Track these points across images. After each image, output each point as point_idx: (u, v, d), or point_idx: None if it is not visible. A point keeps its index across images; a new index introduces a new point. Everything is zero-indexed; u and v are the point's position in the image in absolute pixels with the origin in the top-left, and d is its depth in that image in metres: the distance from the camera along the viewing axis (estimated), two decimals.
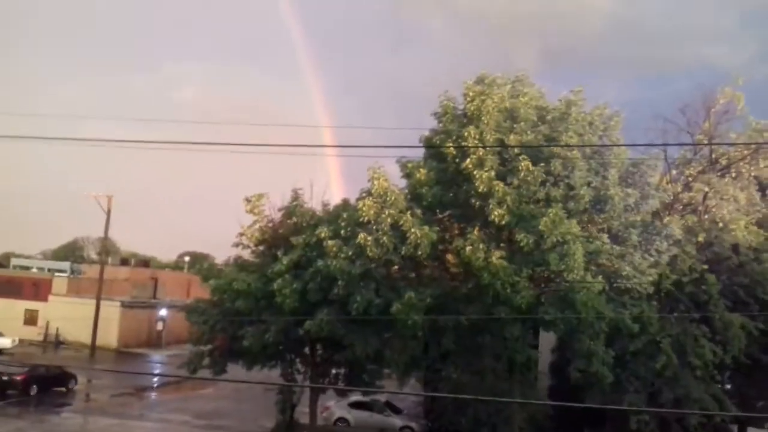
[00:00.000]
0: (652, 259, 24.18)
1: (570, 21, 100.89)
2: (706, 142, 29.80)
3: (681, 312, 25.30)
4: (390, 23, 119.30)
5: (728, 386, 27.91)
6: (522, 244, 21.68)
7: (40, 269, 78.84)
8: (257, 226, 25.99)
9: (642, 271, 23.50)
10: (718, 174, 29.45)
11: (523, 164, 22.22)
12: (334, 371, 27.71)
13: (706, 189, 28.64)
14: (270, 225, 26.15)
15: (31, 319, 57.59)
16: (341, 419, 31.91)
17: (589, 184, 23.27)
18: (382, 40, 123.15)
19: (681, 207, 30.00)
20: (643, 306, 24.34)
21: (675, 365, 24.61)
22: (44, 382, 35.40)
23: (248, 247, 26.28)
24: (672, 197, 29.24)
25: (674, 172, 31.73)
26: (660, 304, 25.44)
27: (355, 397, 31.82)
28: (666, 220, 25.78)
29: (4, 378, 33.85)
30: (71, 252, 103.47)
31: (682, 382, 24.90)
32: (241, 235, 26.00)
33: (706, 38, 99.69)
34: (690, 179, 30.28)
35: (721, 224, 27.91)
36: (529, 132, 23.43)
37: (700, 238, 27.50)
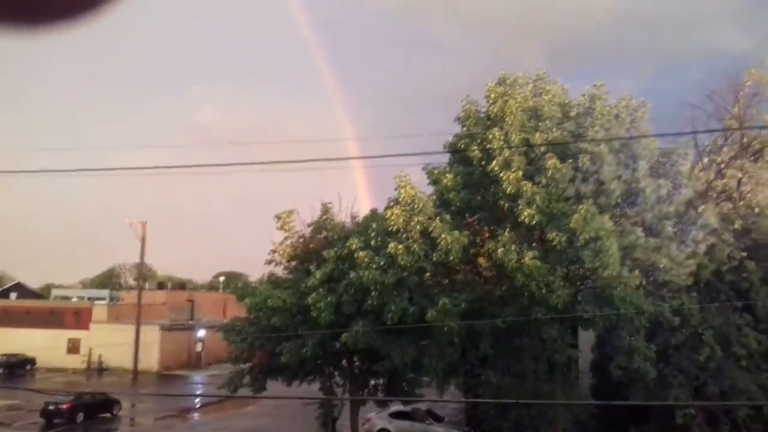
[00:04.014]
0: (689, 250, 23.72)
1: (576, 18, 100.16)
2: (736, 126, 29.20)
3: (722, 302, 24.81)
4: (398, 33, 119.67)
5: None
6: (554, 242, 21.47)
7: (80, 298, 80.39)
8: (289, 242, 26.17)
9: (679, 262, 23.08)
10: (751, 159, 28.84)
11: (550, 162, 22.03)
12: (372, 382, 27.67)
13: (740, 175, 28.06)
14: (301, 240, 26.32)
15: (73, 347, 58.59)
16: (383, 430, 31.79)
17: (619, 177, 22.96)
18: (394, 49, 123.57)
19: (715, 195, 29.40)
20: (682, 298, 23.93)
21: (719, 356, 24.12)
22: (90, 408, 35.93)
23: (281, 263, 26.48)
24: (705, 185, 28.67)
25: (706, 159, 31.13)
26: (700, 294, 24.99)
27: (396, 407, 31.70)
28: (701, 209, 25.28)
29: (51, 407, 34.45)
30: (109, 279, 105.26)
31: (727, 374, 24.38)
32: (274, 252, 26.19)
33: (715, 24, 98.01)
34: (722, 166, 29.68)
35: (757, 210, 27.32)
36: (554, 129, 23.26)
37: (737, 226, 26.91)
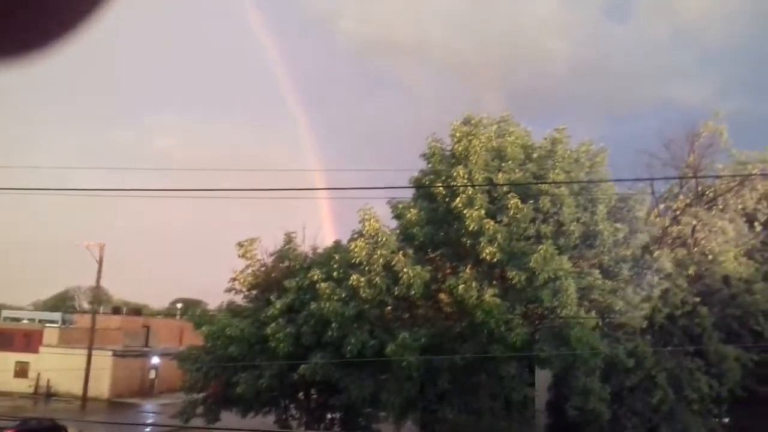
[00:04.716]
0: (644, 293, 24.28)
1: (537, 65, 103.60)
2: (691, 175, 30.16)
3: (675, 345, 25.29)
4: (363, 73, 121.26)
5: (726, 419, 27.70)
6: (514, 281, 21.75)
7: (31, 320, 78.03)
8: (250, 270, 26.03)
9: (634, 305, 23.58)
10: (706, 207, 29.73)
11: (512, 202, 22.44)
12: (329, 416, 27.38)
13: (695, 222, 28.86)
14: (262, 269, 26.17)
15: (21, 371, 56.78)
16: None
17: (578, 220, 23.49)
18: (357, 89, 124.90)
19: (670, 240, 30.18)
20: (637, 340, 24.34)
21: (671, 400, 24.50)
22: None
23: (241, 292, 26.27)
24: (661, 231, 29.45)
25: (662, 206, 32.01)
26: (654, 338, 25.45)
27: None
28: (656, 254, 25.92)
29: None
30: (62, 302, 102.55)
31: (679, 417, 24.76)
32: (234, 280, 25.99)
33: (667, 76, 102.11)
34: (678, 213, 30.53)
35: (710, 257, 28.06)
36: (516, 170, 23.76)
37: (691, 271, 27.63)
